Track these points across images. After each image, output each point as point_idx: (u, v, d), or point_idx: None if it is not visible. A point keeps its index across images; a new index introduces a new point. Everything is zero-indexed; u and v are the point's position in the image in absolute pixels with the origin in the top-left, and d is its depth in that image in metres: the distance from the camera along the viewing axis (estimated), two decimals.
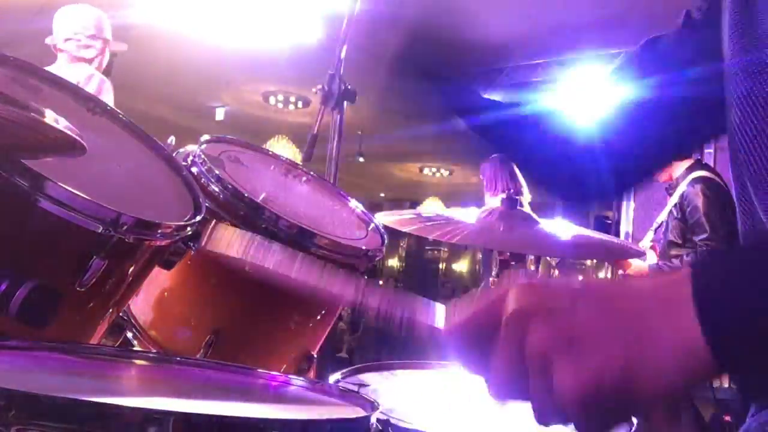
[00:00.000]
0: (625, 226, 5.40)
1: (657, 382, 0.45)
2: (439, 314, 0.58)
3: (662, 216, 3.69)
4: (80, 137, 0.74)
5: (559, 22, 5.68)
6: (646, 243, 3.85)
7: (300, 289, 0.66)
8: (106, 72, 6.01)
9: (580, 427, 0.48)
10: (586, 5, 5.33)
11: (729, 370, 0.45)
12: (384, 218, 1.48)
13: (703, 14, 0.94)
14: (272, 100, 8.56)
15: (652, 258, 3.79)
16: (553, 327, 0.47)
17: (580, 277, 0.52)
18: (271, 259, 0.66)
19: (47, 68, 3.16)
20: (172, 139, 1.76)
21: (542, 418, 0.50)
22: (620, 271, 3.96)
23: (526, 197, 4.10)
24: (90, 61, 3.39)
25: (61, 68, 3.30)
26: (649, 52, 1.02)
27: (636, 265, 3.66)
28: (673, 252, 3.54)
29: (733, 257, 0.50)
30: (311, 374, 1.42)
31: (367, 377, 1.14)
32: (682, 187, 3.46)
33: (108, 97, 3.30)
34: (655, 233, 3.80)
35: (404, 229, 1.40)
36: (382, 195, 14.21)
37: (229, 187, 1.24)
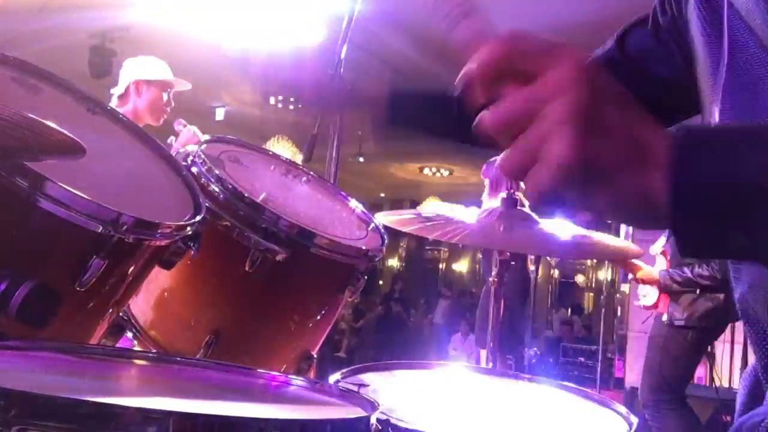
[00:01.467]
0: (625, 226, 5.40)
1: (616, 195, 0.53)
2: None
3: None
4: (79, 139, 0.74)
5: (560, 22, 5.68)
6: (657, 248, 3.85)
7: None
8: (106, 72, 6.01)
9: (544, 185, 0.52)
10: (586, 5, 5.33)
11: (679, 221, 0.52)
12: (384, 218, 1.47)
13: (668, 19, 0.98)
14: (272, 100, 8.54)
15: (661, 264, 3.79)
16: (580, 99, 0.51)
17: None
18: None
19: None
20: (172, 139, 1.76)
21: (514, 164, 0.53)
22: (630, 276, 3.94)
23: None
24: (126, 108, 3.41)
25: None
26: (620, 45, 1.09)
27: (646, 270, 3.66)
28: (686, 259, 3.54)
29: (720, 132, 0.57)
30: (311, 374, 1.42)
31: (367, 377, 1.14)
32: None
33: None
34: (667, 239, 3.79)
35: (404, 230, 1.39)
36: (382, 195, 14.21)
37: (229, 187, 1.24)
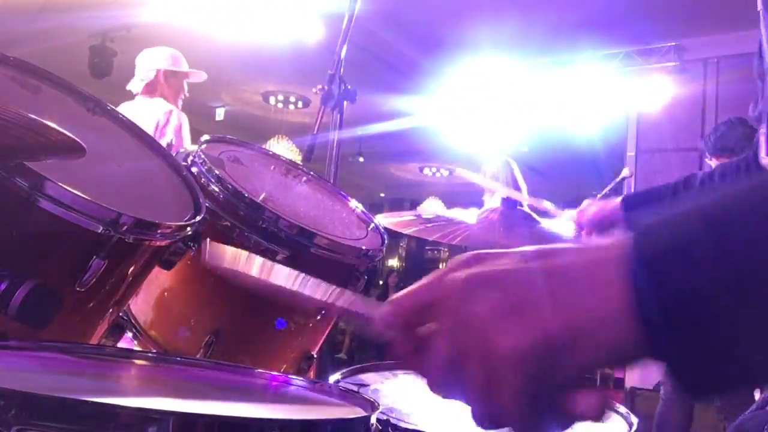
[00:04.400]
0: None
1: (590, 352, 0.46)
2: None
3: None
4: (79, 139, 0.74)
5: (560, 22, 5.68)
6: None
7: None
8: (106, 72, 6.06)
9: (516, 417, 0.47)
10: (586, 5, 5.33)
11: (661, 354, 0.45)
12: (384, 220, 1.48)
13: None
14: (272, 100, 8.57)
15: None
16: (491, 297, 0.48)
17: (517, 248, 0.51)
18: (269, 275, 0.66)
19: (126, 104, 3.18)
20: (172, 139, 1.75)
21: (480, 409, 0.49)
22: None
23: (525, 198, 4.09)
24: (155, 95, 3.59)
25: (137, 104, 3.57)
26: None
27: None
28: None
29: (671, 232, 0.46)
30: (311, 374, 1.42)
31: (367, 377, 1.14)
32: None
33: (186, 128, 3.52)
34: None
35: (404, 231, 1.40)
36: (382, 195, 14.21)
37: (229, 187, 1.24)
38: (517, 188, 4.05)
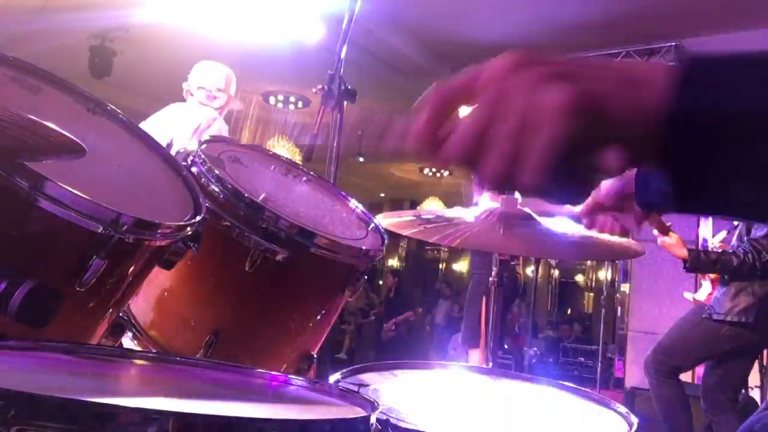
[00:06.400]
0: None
1: (626, 125, 0.48)
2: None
3: None
4: (79, 139, 0.74)
5: (559, 22, 5.68)
6: (715, 241, 3.83)
7: None
8: (106, 72, 6.10)
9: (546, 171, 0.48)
10: (586, 5, 5.33)
11: (671, 149, 0.47)
12: (384, 221, 1.48)
13: None
14: (272, 100, 8.57)
15: (707, 288, 3.77)
16: (537, 69, 0.50)
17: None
18: None
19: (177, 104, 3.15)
20: (172, 139, 1.76)
21: (498, 167, 0.50)
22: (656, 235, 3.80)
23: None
24: (216, 110, 3.62)
25: (189, 107, 3.58)
26: None
27: (675, 238, 3.48)
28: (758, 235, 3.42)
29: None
30: (311, 374, 1.42)
31: (367, 377, 1.14)
32: None
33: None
34: (728, 233, 3.76)
35: (404, 233, 1.39)
36: (382, 195, 14.21)
37: (229, 187, 1.24)
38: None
